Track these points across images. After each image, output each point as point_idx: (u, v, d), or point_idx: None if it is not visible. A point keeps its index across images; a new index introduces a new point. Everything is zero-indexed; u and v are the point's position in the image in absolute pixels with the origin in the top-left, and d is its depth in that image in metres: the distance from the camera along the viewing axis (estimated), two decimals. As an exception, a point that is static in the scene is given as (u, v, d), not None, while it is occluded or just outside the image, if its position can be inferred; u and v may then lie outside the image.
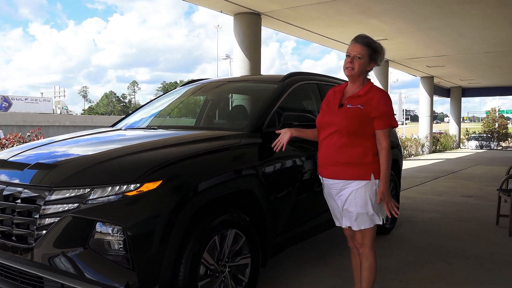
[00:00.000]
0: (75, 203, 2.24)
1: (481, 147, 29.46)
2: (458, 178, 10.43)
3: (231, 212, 2.65)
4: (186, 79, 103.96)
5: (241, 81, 3.95)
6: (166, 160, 2.43)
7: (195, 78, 4.35)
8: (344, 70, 2.59)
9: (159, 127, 3.50)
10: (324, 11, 9.01)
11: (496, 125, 41.81)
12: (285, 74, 3.74)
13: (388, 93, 12.80)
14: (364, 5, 8.69)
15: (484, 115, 52.27)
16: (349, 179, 2.53)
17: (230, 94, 4.14)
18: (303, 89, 3.85)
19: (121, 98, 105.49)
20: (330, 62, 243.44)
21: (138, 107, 4.22)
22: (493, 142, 32.40)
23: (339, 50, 13.99)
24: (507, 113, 54.04)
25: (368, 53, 2.54)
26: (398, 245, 4.36)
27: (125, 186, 2.26)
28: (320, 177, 2.73)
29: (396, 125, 2.62)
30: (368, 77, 2.67)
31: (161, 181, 2.30)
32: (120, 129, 3.62)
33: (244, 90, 4.08)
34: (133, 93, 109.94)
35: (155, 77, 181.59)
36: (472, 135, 32.89)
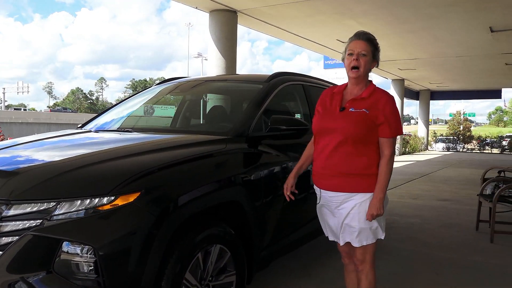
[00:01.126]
0: (37, 219, 1.93)
1: (448, 149, 30.16)
2: (432, 181, 10.49)
3: (216, 226, 2.39)
4: (156, 77, 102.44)
5: (222, 81, 3.68)
6: (144, 169, 2.14)
7: (167, 77, 4.03)
8: (348, 71, 2.33)
9: (133, 129, 3.20)
10: (303, 9, 8.83)
11: (461, 128, 43.08)
12: (270, 74, 3.50)
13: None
14: (344, 5, 8.56)
15: (448, 118, 53.82)
16: (353, 192, 2.28)
17: (209, 95, 3.86)
18: (289, 90, 3.63)
19: (88, 95, 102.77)
20: (302, 63, 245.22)
21: (110, 106, 3.88)
22: (459, 144, 33.27)
23: (313, 50, 13.88)
24: (469, 116, 55.87)
25: (372, 50, 2.31)
26: (384, 254, 4.20)
27: (96, 200, 1.97)
28: (316, 188, 2.45)
29: (402, 133, 2.39)
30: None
31: (138, 193, 2.02)
32: (90, 131, 3.28)
33: (226, 90, 3.81)
34: (101, 90, 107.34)
35: (124, 74, 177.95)
36: (439, 137, 33.68)
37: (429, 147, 27.52)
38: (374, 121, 2.26)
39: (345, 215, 2.32)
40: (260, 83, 3.34)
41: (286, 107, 3.66)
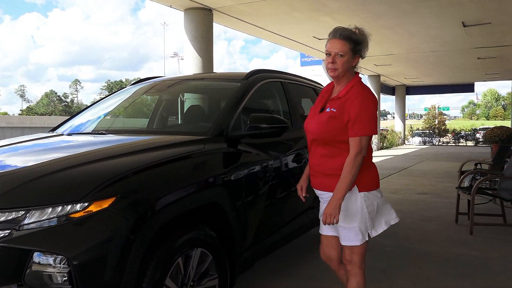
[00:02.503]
0: (5, 229, 1.82)
1: (424, 143, 30.67)
2: (410, 175, 10.61)
3: (196, 229, 2.31)
4: (132, 77, 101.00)
5: (198, 79, 3.58)
6: (119, 173, 2.05)
7: (143, 77, 3.90)
8: (326, 71, 2.29)
9: (108, 131, 3.08)
10: (279, 6, 8.80)
11: (436, 122, 43.87)
12: (248, 71, 3.44)
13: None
14: (319, 2, 8.55)
15: (423, 112, 54.80)
16: (331, 191, 2.23)
17: (186, 94, 3.77)
18: (267, 88, 3.57)
19: (62, 98, 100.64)
20: (279, 61, 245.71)
21: (83, 108, 3.75)
22: (435, 138, 33.87)
23: (290, 48, 13.89)
24: (444, 109, 57.05)
25: (351, 47, 2.20)
26: (368, 251, 4.18)
27: (69, 207, 1.87)
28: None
29: (370, 133, 2.17)
30: (356, 70, 2.32)
31: (114, 198, 1.93)
32: (62, 134, 3.15)
33: (203, 89, 3.72)
34: (76, 92, 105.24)
35: (99, 75, 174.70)
36: (416, 131, 34.21)
37: (406, 141, 27.93)
38: (341, 120, 2.17)
39: None
40: (237, 81, 3.27)
41: (265, 105, 3.61)
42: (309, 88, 4.34)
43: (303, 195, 2.53)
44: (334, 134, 2.19)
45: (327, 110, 2.24)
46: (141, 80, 3.93)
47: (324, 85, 4.54)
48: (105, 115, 3.60)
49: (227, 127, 2.78)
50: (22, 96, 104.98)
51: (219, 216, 2.53)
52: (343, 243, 2.32)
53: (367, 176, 2.26)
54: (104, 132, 3.02)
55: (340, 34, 2.21)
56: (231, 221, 2.56)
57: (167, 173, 2.23)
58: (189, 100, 3.75)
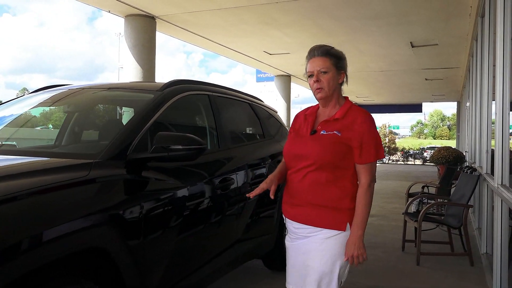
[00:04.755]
0: None
1: (375, 160, 31.08)
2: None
3: (70, 284, 1.75)
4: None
5: (107, 89, 3.01)
6: None
7: (51, 84, 3.29)
8: (314, 95, 2.04)
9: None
10: (225, 17, 8.37)
11: (387, 140, 45.05)
12: (167, 81, 2.93)
13: (290, 108, 12.30)
14: (268, 15, 8.20)
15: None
16: (319, 226, 1.96)
17: (93, 106, 3.17)
18: (190, 101, 3.08)
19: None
20: (237, 76, 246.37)
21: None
22: (385, 156, 34.55)
23: (242, 63, 13.51)
24: (394, 128, 58.90)
25: (333, 62, 2.00)
26: None
27: None
28: (284, 217, 2.15)
29: (383, 156, 2.08)
30: (344, 95, 2.09)
31: None
32: None
33: (110, 101, 3.14)
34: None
35: (51, 84, 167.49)
36: (367, 149, 34.76)
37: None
38: (347, 145, 1.95)
39: (306, 253, 1.96)
40: (151, 92, 2.75)
41: (186, 122, 3.09)
42: (244, 103, 3.87)
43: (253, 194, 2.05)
44: (338, 159, 1.95)
45: (322, 132, 2.00)
46: (42, 88, 3.31)
47: (262, 100, 4.10)
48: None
49: (126, 148, 2.23)
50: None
51: (106, 265, 1.97)
52: None
53: (353, 208, 1.97)
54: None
55: (318, 51, 2.02)
56: (123, 269, 2.00)
57: (22, 210, 1.64)
58: (127, 113, 3.15)
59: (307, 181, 1.98)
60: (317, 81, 1.98)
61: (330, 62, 2.00)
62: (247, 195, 2.15)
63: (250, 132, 3.96)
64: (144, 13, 8.17)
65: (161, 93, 2.72)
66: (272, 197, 1.99)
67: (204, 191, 2.74)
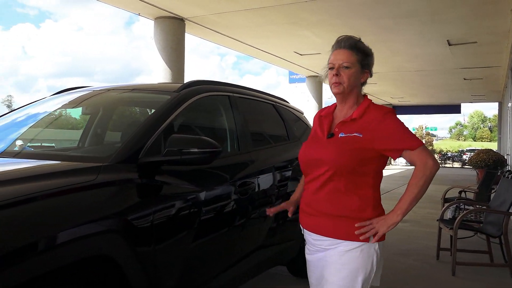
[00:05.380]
0: None
1: (411, 163, 30.28)
2: (392, 199, 9.91)
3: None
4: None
5: (126, 91, 2.95)
6: None
7: (73, 86, 3.27)
8: (330, 88, 1.86)
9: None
10: (252, 18, 8.28)
11: (423, 142, 43.79)
12: (185, 82, 2.84)
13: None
14: (296, 15, 8.06)
15: (412, 132, 55.00)
16: (338, 238, 1.77)
17: (106, 108, 3.11)
18: (209, 102, 2.98)
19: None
20: (270, 78, 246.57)
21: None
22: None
23: (272, 63, 13.39)
24: (431, 130, 57.25)
25: (358, 58, 1.81)
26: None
27: None
28: (301, 227, 1.98)
29: (422, 142, 1.81)
30: (364, 93, 1.91)
31: None
32: None
33: (128, 102, 3.08)
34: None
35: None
36: (402, 151, 33.95)
37: (392, 161, 27.51)
38: (369, 147, 1.75)
39: (326, 266, 1.81)
40: (168, 94, 2.67)
41: (204, 124, 2.99)
42: (268, 104, 3.75)
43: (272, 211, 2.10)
44: (358, 164, 1.76)
45: (341, 135, 1.81)
46: (64, 90, 3.29)
47: (288, 101, 3.96)
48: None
49: (138, 151, 2.15)
50: (9, 106, 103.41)
51: (114, 274, 1.88)
52: None
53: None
54: None
55: (345, 43, 1.83)
56: (131, 278, 1.91)
57: (24, 216, 1.57)
58: (109, 115, 3.10)
59: (324, 189, 1.80)
60: (336, 75, 1.81)
61: (356, 58, 1.82)
62: (267, 211, 2.09)
63: (274, 134, 3.83)
64: (173, 15, 8.20)
65: (177, 94, 2.63)
66: (290, 215, 1.92)
67: (221, 195, 2.63)
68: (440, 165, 30.10)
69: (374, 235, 1.75)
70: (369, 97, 1.92)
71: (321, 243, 1.84)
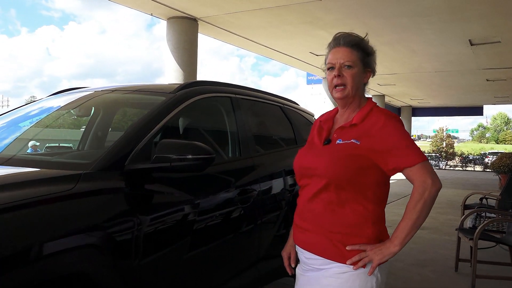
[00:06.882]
0: None
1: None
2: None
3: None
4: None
5: (123, 92, 2.79)
6: None
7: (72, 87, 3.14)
8: (331, 92, 1.67)
9: None
10: (266, 18, 8.10)
11: (444, 144, 42.94)
12: (183, 83, 2.68)
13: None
14: (311, 15, 7.84)
15: (432, 134, 53.94)
16: (329, 258, 1.57)
17: (97, 110, 2.96)
18: (209, 104, 2.81)
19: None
20: (289, 79, 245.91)
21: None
22: (442, 161, 32.81)
23: (288, 64, 13.19)
24: (452, 132, 56.10)
25: (360, 56, 1.64)
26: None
27: None
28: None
29: (425, 157, 1.57)
30: (368, 95, 1.73)
31: None
32: None
33: (121, 104, 2.93)
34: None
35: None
36: (422, 154, 33.24)
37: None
38: (368, 156, 1.55)
39: None
40: (163, 95, 2.50)
41: (202, 127, 2.82)
42: (274, 106, 3.55)
43: (292, 266, 1.84)
44: (355, 174, 1.56)
45: (338, 141, 1.63)
46: (57, 92, 3.16)
47: (298, 103, 3.75)
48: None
49: (124, 157, 1.98)
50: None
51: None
52: None
53: (376, 235, 1.59)
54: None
55: (345, 40, 1.66)
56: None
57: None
58: (101, 117, 2.95)
59: (317, 201, 1.61)
60: (339, 75, 1.62)
61: (357, 56, 1.64)
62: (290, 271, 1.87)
63: (280, 138, 3.64)
64: (186, 15, 8.09)
65: (173, 95, 2.46)
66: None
67: (218, 205, 2.45)
68: (461, 168, 29.18)
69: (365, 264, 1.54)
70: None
71: (314, 262, 1.63)
